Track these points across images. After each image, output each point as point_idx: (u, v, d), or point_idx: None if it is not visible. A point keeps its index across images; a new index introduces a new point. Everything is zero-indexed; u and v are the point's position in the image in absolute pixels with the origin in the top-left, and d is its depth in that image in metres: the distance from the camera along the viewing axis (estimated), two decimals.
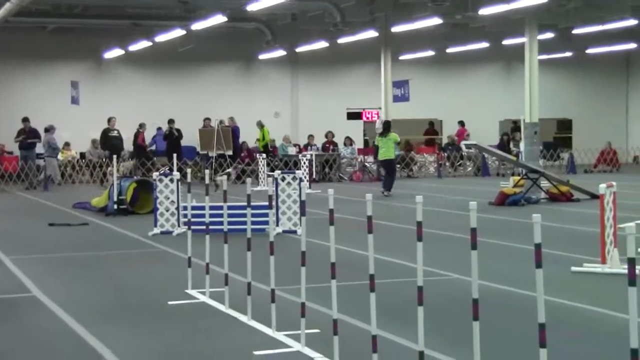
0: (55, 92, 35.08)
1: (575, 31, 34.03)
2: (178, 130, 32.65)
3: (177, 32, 30.28)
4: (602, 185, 11.41)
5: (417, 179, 33.48)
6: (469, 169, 35.95)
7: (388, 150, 25.76)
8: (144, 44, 33.31)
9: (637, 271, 11.55)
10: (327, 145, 34.93)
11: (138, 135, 32.70)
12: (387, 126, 26.41)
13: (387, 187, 25.44)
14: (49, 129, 31.20)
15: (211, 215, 10.14)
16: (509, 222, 18.27)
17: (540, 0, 23.74)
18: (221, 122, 32.23)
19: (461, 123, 38.40)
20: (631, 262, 4.69)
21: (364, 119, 39.20)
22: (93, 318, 9.40)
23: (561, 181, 23.52)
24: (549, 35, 33.16)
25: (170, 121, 32.92)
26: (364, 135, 40.40)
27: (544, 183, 23.30)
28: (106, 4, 29.41)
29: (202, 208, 11.07)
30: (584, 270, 11.74)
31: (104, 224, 18.81)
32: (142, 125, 32.77)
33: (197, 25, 28.63)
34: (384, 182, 25.98)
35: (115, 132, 31.62)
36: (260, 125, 34.29)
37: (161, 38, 31.79)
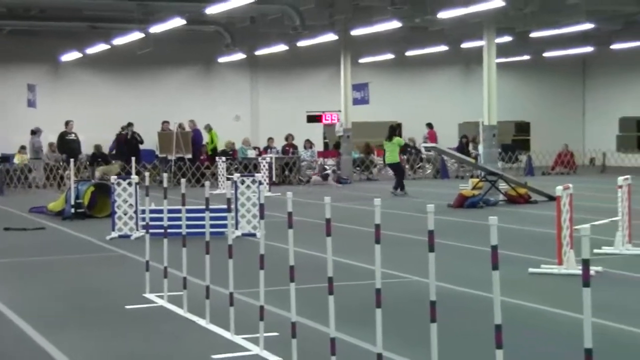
0: (11, 95, 34.76)
1: (532, 35, 34.29)
2: (139, 135, 32.48)
3: (135, 35, 30.08)
4: (559, 187, 11.51)
5: (376, 181, 33.54)
6: (428, 171, 36.10)
7: (392, 154, 27.03)
8: (101, 46, 33.07)
9: (592, 272, 11.72)
10: (287, 148, 34.91)
11: (121, 137, 32.63)
12: (392, 131, 27.44)
13: (397, 186, 26.59)
14: (35, 132, 31.15)
15: (169, 219, 10.09)
16: (467, 224, 18.37)
17: (498, 4, 23.89)
18: (180, 125, 32.09)
19: (429, 125, 38.49)
20: (586, 264, 4.73)
21: (324, 121, 39.39)
22: (49, 324, 9.32)
23: (519, 183, 23.69)
24: (507, 38, 33.38)
25: (129, 124, 32.72)
26: (324, 138, 40.47)
27: (502, 185, 23.45)
28: (63, 7, 29.15)
29: (161, 211, 11.01)
30: (541, 272, 11.83)
31: (60, 228, 18.65)
32: (127, 126, 32.61)
33: (156, 28, 28.47)
34: (395, 183, 27.03)
35: (73, 135, 31.38)
36: (209, 129, 34.14)
37: (119, 41, 31.58)
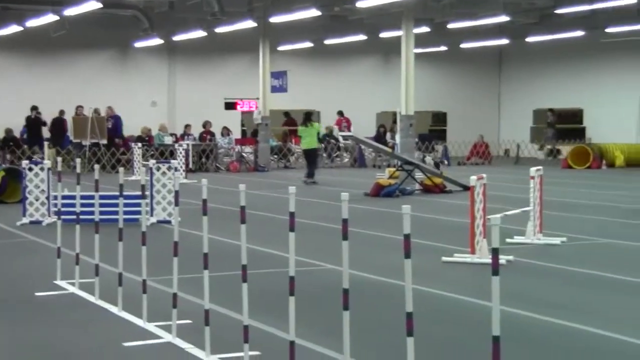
0: None
1: (450, 26, 34.65)
2: (41, 118, 32.07)
3: (50, 17, 29.54)
4: (473, 177, 11.65)
5: (294, 169, 33.56)
6: (346, 159, 36.24)
7: (312, 139, 26.68)
8: (14, 28, 32.39)
9: (503, 261, 11.90)
10: (204, 135, 34.69)
11: (63, 122, 32.17)
12: (308, 116, 27.08)
13: (309, 175, 26.24)
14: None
15: (82, 205, 9.94)
16: (383, 212, 18.49)
17: None
18: (96, 110, 31.67)
19: (340, 113, 38.64)
20: (495, 252, 4.79)
21: (242, 109, 39.20)
22: None
23: (435, 173, 23.92)
24: (425, 29, 33.66)
25: (34, 108, 32.17)
26: (242, 125, 40.31)
27: (419, 175, 23.67)
28: None
29: (73, 197, 10.85)
30: (454, 260, 11.98)
31: None
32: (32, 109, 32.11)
33: (71, 11, 28.00)
34: (307, 171, 26.56)
35: None
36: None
37: (33, 23, 30.98)
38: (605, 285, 10.64)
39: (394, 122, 36.39)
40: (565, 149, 36.70)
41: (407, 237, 5.35)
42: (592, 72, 40.00)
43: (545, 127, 40.09)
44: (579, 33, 35.68)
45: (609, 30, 34.93)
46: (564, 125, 42.39)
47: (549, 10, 31.34)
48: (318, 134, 27.15)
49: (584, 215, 17.72)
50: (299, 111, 39.16)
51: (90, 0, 26.17)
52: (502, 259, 11.43)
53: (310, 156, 26.99)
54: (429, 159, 27.02)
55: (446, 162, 35.55)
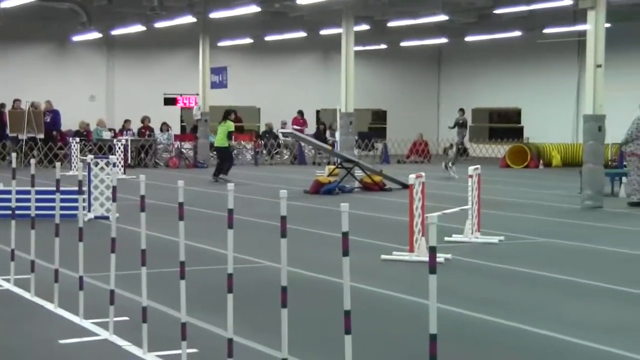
0: None
1: (389, 24, 34.82)
2: None
3: None
4: (412, 176, 11.72)
5: (234, 166, 33.41)
6: (286, 157, 36.24)
7: (221, 137, 26.02)
8: None
9: (441, 259, 11.99)
10: (143, 130, 34.43)
11: (1, 116, 31.68)
12: (225, 114, 26.32)
13: (216, 173, 25.80)
14: None
15: (18, 200, 9.80)
16: (322, 210, 18.52)
17: None
18: (33, 104, 31.26)
19: (300, 113, 38.48)
20: (432, 251, 4.82)
21: (181, 104, 39.02)
22: None
23: (374, 171, 24.03)
24: (365, 27, 33.79)
25: None
26: (181, 121, 40.12)
27: (358, 172, 23.75)
28: None
29: (9, 192, 10.69)
30: (393, 258, 12.03)
31: None
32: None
33: (7, 3, 27.60)
34: (216, 168, 26.26)
35: None
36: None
37: None
38: (542, 283, 10.77)
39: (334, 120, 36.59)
40: (503, 148, 37.08)
41: (345, 234, 5.37)
42: (530, 72, 40.47)
43: (454, 127, 39.59)
44: (517, 33, 36.11)
45: (546, 31, 35.39)
46: (502, 125, 42.89)
47: (487, 10, 31.66)
48: (230, 132, 25.99)
49: (521, 214, 17.93)
50: (239, 108, 39.11)
51: None
52: (440, 257, 11.51)
53: (219, 154, 26.81)
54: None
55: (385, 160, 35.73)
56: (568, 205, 19.86)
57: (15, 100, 31.84)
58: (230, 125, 25.98)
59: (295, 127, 37.51)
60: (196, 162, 33.04)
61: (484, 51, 41.09)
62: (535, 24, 34.94)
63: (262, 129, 38.73)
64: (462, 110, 39.85)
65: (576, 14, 31.03)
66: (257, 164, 34.26)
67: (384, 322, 8.59)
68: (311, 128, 38.33)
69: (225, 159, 26.22)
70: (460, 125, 39.44)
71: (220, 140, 26.10)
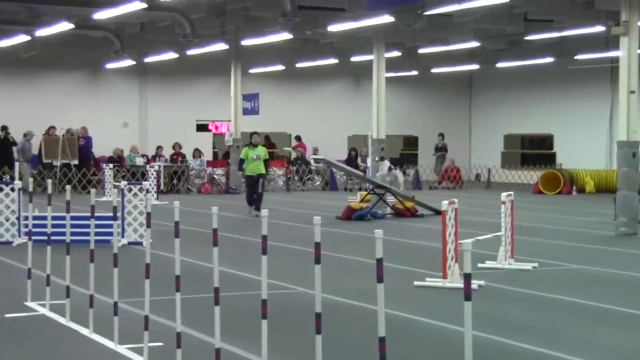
0: None
1: (420, 51, 34.88)
2: (12, 138, 31.90)
3: (21, 38, 29.46)
4: (445, 202, 11.70)
5: (265, 192, 33.47)
6: (317, 183, 36.26)
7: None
8: None
9: (475, 286, 11.94)
10: (175, 156, 34.63)
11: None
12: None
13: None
14: (26, 135, 31.16)
15: (53, 226, 9.90)
16: (355, 236, 18.51)
17: (387, 20, 24.22)
18: (69, 130, 31.58)
19: (297, 138, 38.76)
20: (468, 278, 4.83)
21: (213, 131, 39.22)
22: None
23: (406, 197, 24.00)
24: (395, 53, 33.87)
25: (3, 128, 32.03)
26: (213, 147, 40.30)
27: (390, 198, 23.72)
28: None
29: (44, 218, 10.79)
30: (426, 285, 12.00)
31: None
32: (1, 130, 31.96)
33: (42, 32, 27.94)
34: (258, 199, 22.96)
35: None
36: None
37: (4, 43, 30.88)
38: (575, 310, 10.70)
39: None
40: (536, 174, 36.90)
41: (379, 261, 5.38)
42: (562, 98, 40.31)
43: (436, 154, 38.82)
44: (549, 59, 36.02)
45: (578, 57, 35.29)
46: (534, 151, 42.71)
47: (518, 36, 31.63)
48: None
49: (555, 241, 17.82)
50: (270, 134, 39.27)
51: (62, 21, 26.15)
52: (474, 283, 11.47)
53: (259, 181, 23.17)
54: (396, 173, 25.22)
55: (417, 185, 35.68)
56: (602, 232, 19.72)
57: (50, 127, 32.12)
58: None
59: (299, 149, 37.65)
60: (228, 188, 33.15)
61: (515, 77, 41.01)
62: (567, 51, 34.86)
63: (294, 155, 38.81)
64: (441, 135, 39.30)
65: (609, 40, 30.96)
66: (289, 190, 34.31)
67: (418, 349, 8.57)
68: (342, 154, 38.34)
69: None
70: (440, 149, 38.88)
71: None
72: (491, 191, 33.18)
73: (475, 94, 45.21)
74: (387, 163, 24.97)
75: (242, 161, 23.06)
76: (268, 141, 38.73)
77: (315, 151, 38.02)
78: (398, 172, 23.36)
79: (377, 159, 26.50)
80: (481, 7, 24.45)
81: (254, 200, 22.76)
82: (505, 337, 8.86)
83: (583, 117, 39.18)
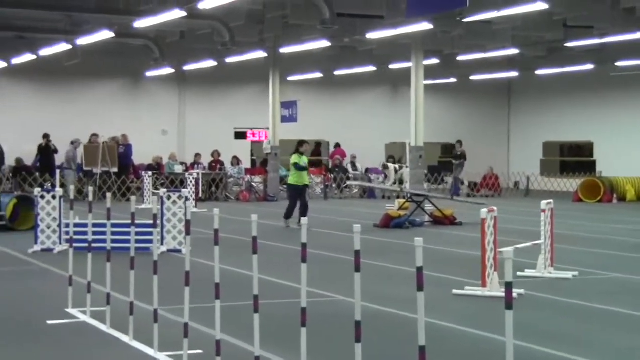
0: None
1: (459, 58, 34.78)
2: (54, 146, 32.25)
3: (63, 46, 29.76)
4: (484, 210, 11.64)
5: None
6: (355, 190, 36.24)
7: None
8: (28, 57, 32.62)
9: (515, 295, 11.86)
10: (214, 164, 34.78)
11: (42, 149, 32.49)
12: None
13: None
14: (73, 142, 31.55)
15: (94, 233, 9.97)
16: (393, 244, 18.48)
17: (426, 27, 24.17)
18: (114, 139, 31.89)
19: (337, 145, 38.83)
20: (509, 287, 4.80)
21: (252, 138, 39.37)
22: None
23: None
24: (434, 61, 33.79)
25: (46, 135, 32.36)
26: (252, 155, 40.43)
27: (428, 206, 23.65)
28: None
29: (85, 225, 10.88)
30: (465, 293, 11.94)
31: None
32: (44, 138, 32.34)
33: (83, 40, 28.20)
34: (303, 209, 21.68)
35: None
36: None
37: (46, 52, 31.20)
38: (615, 320, 10.60)
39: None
40: (576, 182, 36.61)
41: (420, 269, 5.36)
42: (603, 106, 40.01)
43: (455, 160, 37.41)
44: (589, 66, 35.77)
45: (619, 63, 34.99)
46: (574, 159, 42.40)
47: (558, 43, 31.43)
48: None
49: (595, 250, 17.67)
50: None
51: (103, 29, 26.37)
52: (514, 292, 11.39)
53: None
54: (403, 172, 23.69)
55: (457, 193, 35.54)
56: None
57: (93, 135, 32.40)
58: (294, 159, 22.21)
59: (338, 157, 37.68)
60: (266, 195, 33.23)
61: (554, 84, 40.77)
62: (608, 57, 34.59)
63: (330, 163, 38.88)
64: (459, 142, 38.61)
65: None
66: (327, 198, 34.32)
67: (457, 358, 8.53)
68: (380, 162, 38.27)
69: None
70: (458, 157, 38.32)
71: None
72: (530, 199, 32.97)
73: (514, 102, 44.99)
74: (391, 167, 24.53)
75: (297, 165, 21.88)
76: (318, 147, 39.13)
77: (354, 159, 38.06)
78: (391, 166, 22.89)
79: (380, 167, 26.53)
80: (520, 14, 24.33)
81: (299, 211, 21.39)
82: (545, 347, 8.80)
83: (624, 125, 38.85)
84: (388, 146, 41.10)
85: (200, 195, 31.37)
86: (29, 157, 33.42)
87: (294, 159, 22.02)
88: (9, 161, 31.99)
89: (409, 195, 24.15)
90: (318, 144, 40.39)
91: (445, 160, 43.27)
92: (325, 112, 40.96)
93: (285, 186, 22.34)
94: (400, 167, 23.07)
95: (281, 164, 34.29)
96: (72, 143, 31.70)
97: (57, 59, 32.40)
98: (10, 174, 31.45)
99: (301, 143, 22.45)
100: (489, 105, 44.62)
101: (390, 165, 22.94)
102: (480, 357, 8.58)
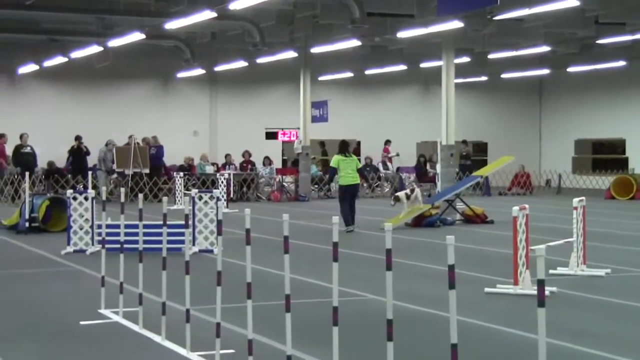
0: None
1: (490, 56, 34.64)
2: (86, 147, 32.45)
3: (94, 49, 29.96)
4: (515, 208, 11.58)
5: (334, 198, 33.52)
6: (386, 189, 36.19)
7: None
8: (59, 59, 32.87)
9: (547, 292, 11.79)
10: (245, 164, 34.87)
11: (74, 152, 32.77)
12: (346, 146, 21.62)
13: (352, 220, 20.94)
14: (107, 144, 31.86)
15: (126, 234, 10.04)
16: (424, 242, 18.44)
17: (456, 25, 24.10)
18: (145, 139, 32.06)
19: (387, 142, 38.73)
20: (541, 284, 4.77)
21: (282, 138, 39.45)
22: (1, 338, 9.20)
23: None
24: (465, 59, 33.68)
25: (77, 137, 32.60)
26: (283, 155, 40.50)
27: (460, 205, 23.58)
28: (21, 19, 28.93)
29: (117, 227, 10.94)
30: (497, 291, 11.89)
31: (14, 242, 18.44)
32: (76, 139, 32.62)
33: (115, 42, 28.37)
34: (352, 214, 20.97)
35: (28, 148, 31.08)
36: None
37: (77, 54, 31.43)
38: None
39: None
40: (608, 180, 36.35)
41: (451, 267, 5.35)
42: (634, 102, 39.70)
43: (464, 161, 37.21)
44: (621, 63, 35.49)
45: None
46: (606, 156, 42.11)
47: (590, 40, 31.23)
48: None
49: (628, 247, 17.54)
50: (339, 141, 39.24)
51: (134, 31, 26.52)
52: (546, 290, 11.33)
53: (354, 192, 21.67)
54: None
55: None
56: None
57: (130, 137, 32.53)
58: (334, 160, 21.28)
59: (385, 154, 37.68)
60: (298, 195, 33.25)
61: (586, 81, 40.51)
62: None
63: (363, 162, 38.82)
64: (464, 142, 38.23)
65: None
66: (358, 197, 34.23)
67: (489, 356, 8.49)
68: (412, 160, 38.23)
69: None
70: (464, 157, 37.90)
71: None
72: (562, 197, 32.75)
73: (546, 99, 44.75)
74: (402, 195, 23.21)
75: (333, 170, 21.09)
76: (358, 147, 39.26)
77: (385, 158, 38.01)
78: (402, 195, 22.12)
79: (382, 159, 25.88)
80: (552, 11, 24.19)
81: (350, 213, 20.63)
82: (578, 344, 8.75)
83: None
84: (419, 145, 41.02)
85: (232, 195, 31.44)
86: (61, 159, 33.64)
87: (336, 161, 20.94)
88: (41, 163, 32.21)
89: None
90: (358, 144, 40.42)
91: (477, 159, 43.12)
92: (356, 111, 40.97)
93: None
94: (412, 191, 21.73)
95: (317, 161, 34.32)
96: (107, 145, 31.90)
97: (88, 61, 32.62)
98: (43, 176, 31.69)
99: (345, 143, 21.44)
100: (520, 103, 44.43)
101: (401, 194, 21.52)
102: (513, 355, 8.54)
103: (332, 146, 39.10)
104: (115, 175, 31.71)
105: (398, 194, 21.54)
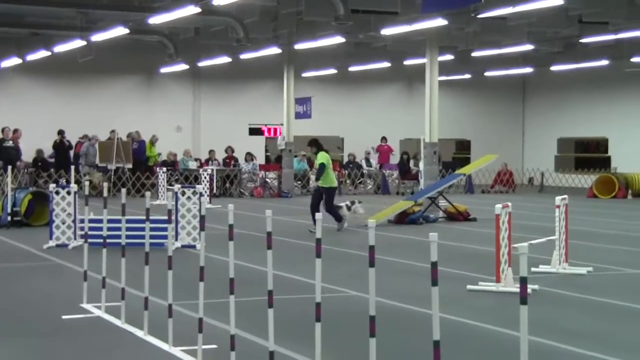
0: None
1: (474, 54, 34.70)
2: (68, 141, 32.39)
3: (77, 43, 29.82)
4: (498, 206, 11.62)
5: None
6: (370, 186, 36.24)
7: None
8: (42, 53, 32.71)
9: (529, 290, 11.84)
10: (228, 160, 34.83)
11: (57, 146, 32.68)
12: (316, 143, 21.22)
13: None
14: (90, 139, 31.96)
15: (109, 229, 10.01)
16: (407, 240, 18.47)
17: (440, 23, 24.12)
18: (130, 135, 32.02)
19: (383, 139, 38.66)
20: (523, 282, 4.80)
21: (266, 134, 39.43)
22: None
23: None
24: (449, 57, 33.72)
25: (60, 132, 32.49)
26: (266, 151, 40.48)
27: (442, 202, 23.63)
28: (4, 12, 28.76)
29: (100, 221, 10.91)
30: (479, 289, 11.93)
31: None
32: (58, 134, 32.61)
33: (98, 37, 28.26)
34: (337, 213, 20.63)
35: (10, 142, 30.94)
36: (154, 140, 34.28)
37: (60, 48, 31.27)
38: (630, 315, 10.58)
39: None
40: (590, 178, 36.50)
41: (434, 265, 5.37)
42: (617, 102, 39.87)
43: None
44: (604, 62, 35.63)
45: (634, 59, 34.86)
46: (588, 155, 42.27)
47: (573, 39, 31.32)
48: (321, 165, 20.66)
49: (610, 245, 17.62)
50: (322, 137, 39.28)
51: (117, 26, 26.41)
52: (528, 288, 11.37)
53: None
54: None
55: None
56: None
57: (111, 132, 32.50)
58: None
59: (379, 152, 37.73)
60: (280, 191, 33.25)
61: (569, 80, 40.64)
62: (623, 53, 34.42)
63: (346, 159, 38.87)
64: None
65: None
66: (341, 194, 34.29)
67: (471, 353, 8.52)
68: (395, 158, 38.29)
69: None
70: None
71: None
72: (544, 195, 32.87)
73: (529, 97, 44.89)
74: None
75: (323, 167, 20.40)
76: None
77: (368, 155, 38.02)
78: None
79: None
80: (535, 10, 24.25)
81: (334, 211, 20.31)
82: (559, 342, 8.79)
83: (639, 120, 38.69)
84: (403, 142, 41.07)
85: (215, 191, 31.41)
86: (45, 153, 33.54)
87: (325, 157, 20.54)
88: (26, 157, 32.09)
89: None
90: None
91: (460, 156, 43.24)
92: (340, 108, 40.96)
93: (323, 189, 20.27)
94: (353, 203, 20.83)
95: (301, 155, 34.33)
96: (90, 139, 31.81)
97: (72, 55, 32.47)
98: (26, 170, 31.58)
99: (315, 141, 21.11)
100: (504, 101, 44.55)
101: (342, 205, 20.71)
102: (495, 352, 8.58)
103: (330, 143, 39.35)
104: (96, 170, 31.63)
105: (341, 204, 21.12)
